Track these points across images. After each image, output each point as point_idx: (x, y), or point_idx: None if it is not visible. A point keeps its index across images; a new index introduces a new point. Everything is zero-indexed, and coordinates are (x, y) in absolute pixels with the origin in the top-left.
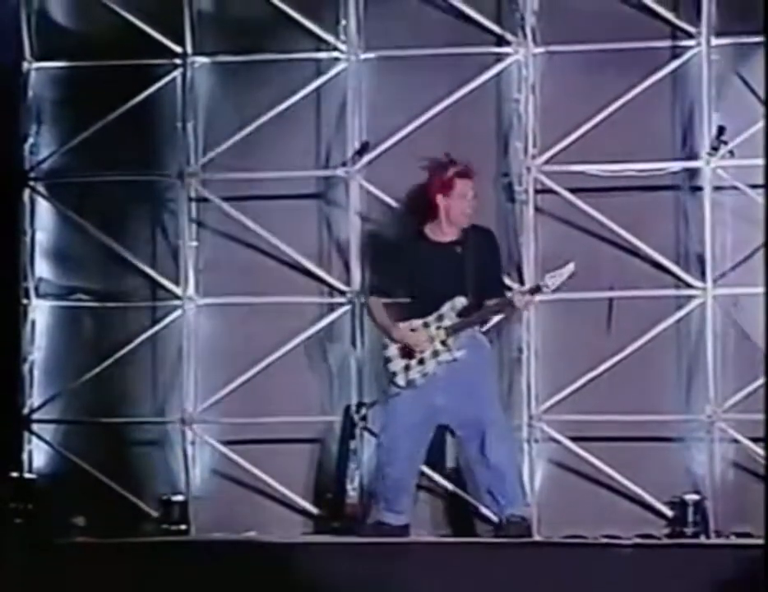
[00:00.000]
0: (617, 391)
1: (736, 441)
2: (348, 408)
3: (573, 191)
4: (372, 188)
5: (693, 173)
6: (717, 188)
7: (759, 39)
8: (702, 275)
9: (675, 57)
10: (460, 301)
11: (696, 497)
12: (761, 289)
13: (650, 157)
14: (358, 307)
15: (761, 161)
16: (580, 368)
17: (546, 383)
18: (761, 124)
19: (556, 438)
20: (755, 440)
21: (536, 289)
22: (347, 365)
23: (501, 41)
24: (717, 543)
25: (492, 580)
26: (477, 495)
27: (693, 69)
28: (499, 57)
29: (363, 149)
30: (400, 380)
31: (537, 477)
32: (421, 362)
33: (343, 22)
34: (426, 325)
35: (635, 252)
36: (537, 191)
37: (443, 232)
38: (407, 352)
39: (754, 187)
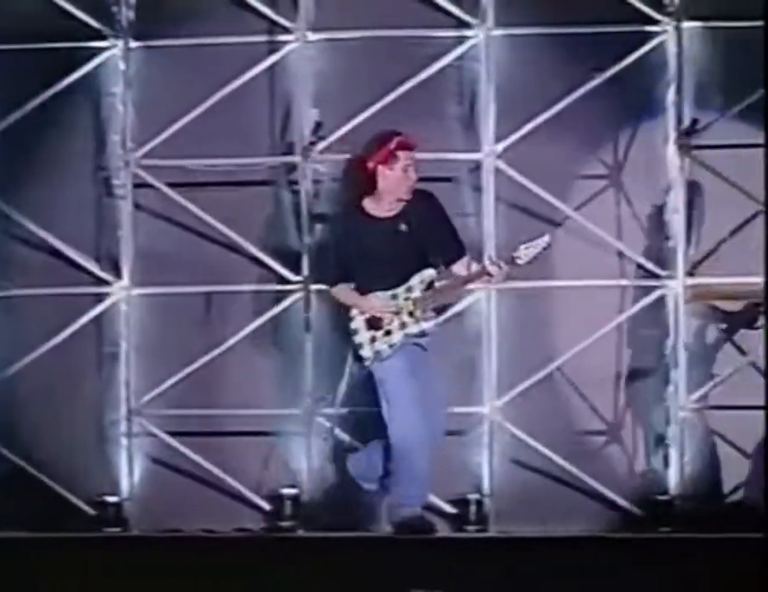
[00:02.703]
0: (215, 387)
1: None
2: None
3: (172, 185)
4: None
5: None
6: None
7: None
8: None
9: (272, 52)
10: (429, 273)
11: (293, 490)
12: None
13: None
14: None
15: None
16: (177, 364)
17: (144, 378)
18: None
19: (154, 433)
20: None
21: (510, 261)
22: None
23: (96, 36)
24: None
25: None
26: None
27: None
28: (94, 52)
29: None
30: (367, 351)
31: (136, 471)
32: (388, 333)
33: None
34: (394, 296)
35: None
36: (136, 186)
37: (383, 206)
38: (373, 324)
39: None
